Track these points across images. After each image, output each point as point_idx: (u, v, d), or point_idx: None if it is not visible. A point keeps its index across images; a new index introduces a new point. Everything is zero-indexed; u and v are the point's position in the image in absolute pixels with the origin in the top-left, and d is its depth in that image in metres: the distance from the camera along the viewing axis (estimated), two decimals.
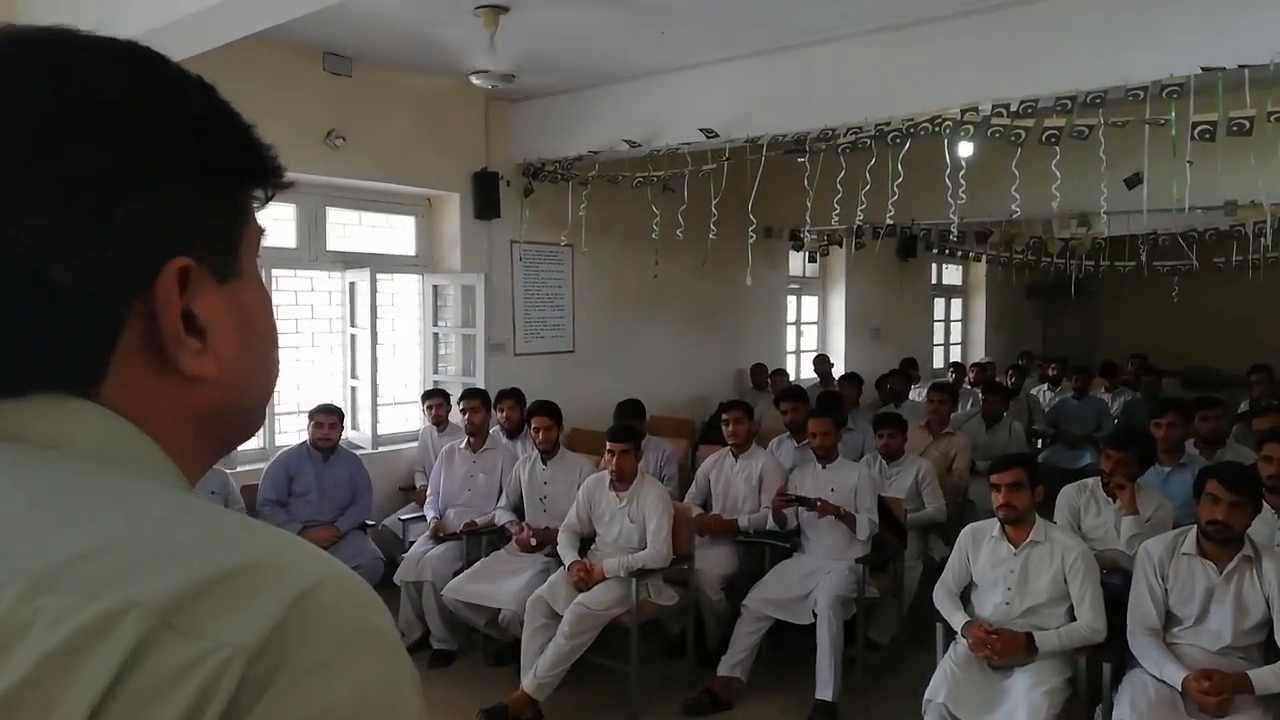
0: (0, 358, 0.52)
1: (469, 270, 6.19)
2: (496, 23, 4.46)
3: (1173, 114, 3.90)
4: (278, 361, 0.66)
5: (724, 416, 5.15)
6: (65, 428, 0.53)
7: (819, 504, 4.44)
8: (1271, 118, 3.72)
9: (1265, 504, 3.68)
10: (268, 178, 0.62)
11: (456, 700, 4.07)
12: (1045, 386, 9.00)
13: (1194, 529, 3.23)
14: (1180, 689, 2.99)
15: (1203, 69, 3.70)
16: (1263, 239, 6.33)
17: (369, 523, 5.10)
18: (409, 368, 6.48)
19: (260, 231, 0.63)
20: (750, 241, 5.51)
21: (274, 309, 0.66)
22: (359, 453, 5.43)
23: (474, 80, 4.87)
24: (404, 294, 6.38)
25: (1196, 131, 3.85)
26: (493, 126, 6.25)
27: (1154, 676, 3.10)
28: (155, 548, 0.47)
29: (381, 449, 5.95)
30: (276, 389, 0.68)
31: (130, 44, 0.58)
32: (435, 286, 6.35)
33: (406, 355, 6.47)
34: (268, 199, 0.63)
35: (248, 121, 0.61)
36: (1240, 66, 3.64)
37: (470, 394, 5.37)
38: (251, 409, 0.64)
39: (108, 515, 0.49)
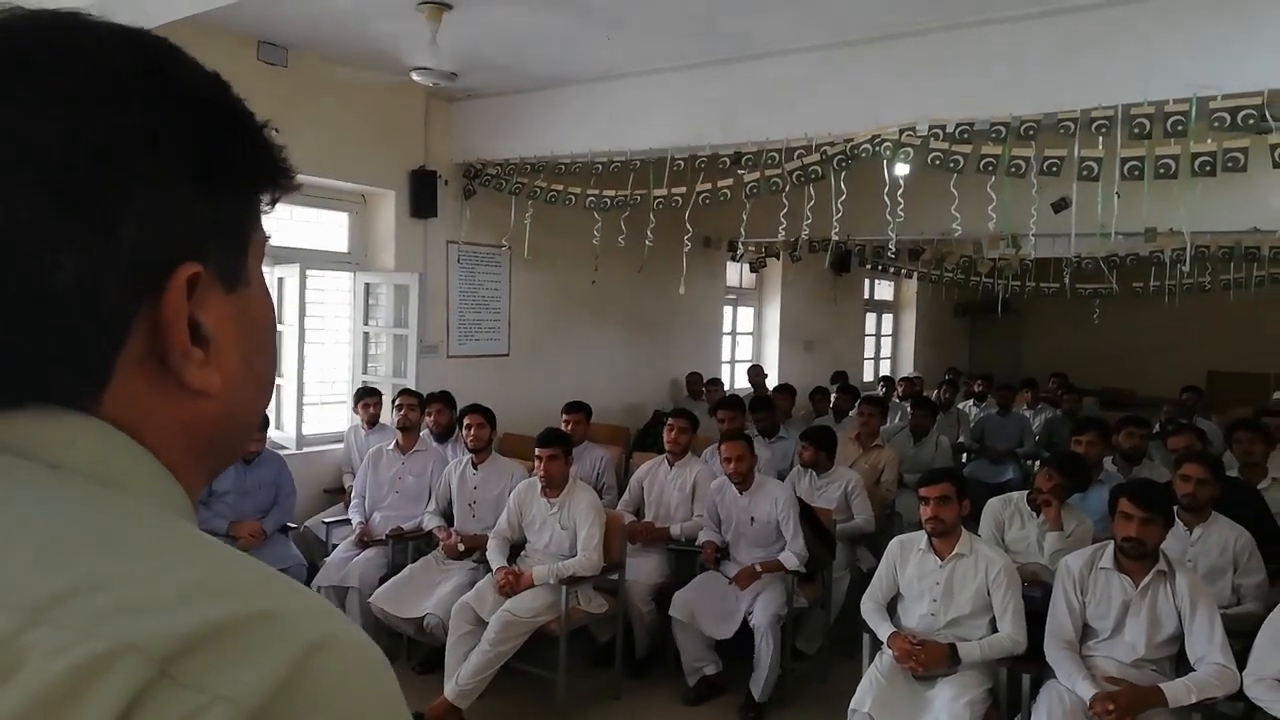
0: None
1: (403, 269, 6.08)
2: (440, 19, 4.39)
3: (1101, 150, 4.03)
4: (276, 373, 0.63)
5: (668, 423, 5.15)
6: (66, 444, 0.49)
7: (738, 576, 4.35)
8: (1196, 160, 3.86)
9: (1179, 521, 3.83)
10: (278, 180, 0.59)
11: None
12: (971, 402, 9.22)
13: (1112, 544, 3.33)
14: (1089, 704, 3.06)
15: (1124, 105, 3.83)
16: (1180, 265, 6.58)
17: (291, 525, 4.96)
18: (338, 367, 6.33)
19: (266, 237, 0.60)
20: (686, 251, 5.52)
21: (275, 318, 0.63)
22: (283, 453, 5.28)
23: (415, 77, 4.79)
24: (335, 291, 6.23)
25: (1126, 168, 3.98)
26: (433, 124, 6.15)
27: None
28: (157, 587, 0.44)
29: (307, 449, 5.79)
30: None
31: (144, 33, 0.54)
32: (368, 285, 6.22)
33: (335, 354, 6.32)
34: (274, 202, 0.60)
35: (261, 120, 0.58)
36: (1157, 102, 3.78)
37: (407, 392, 5.33)
38: (249, 424, 0.61)
39: (109, 546, 0.45)
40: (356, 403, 5.72)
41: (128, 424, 0.51)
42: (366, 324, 6.27)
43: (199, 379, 0.53)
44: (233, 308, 0.55)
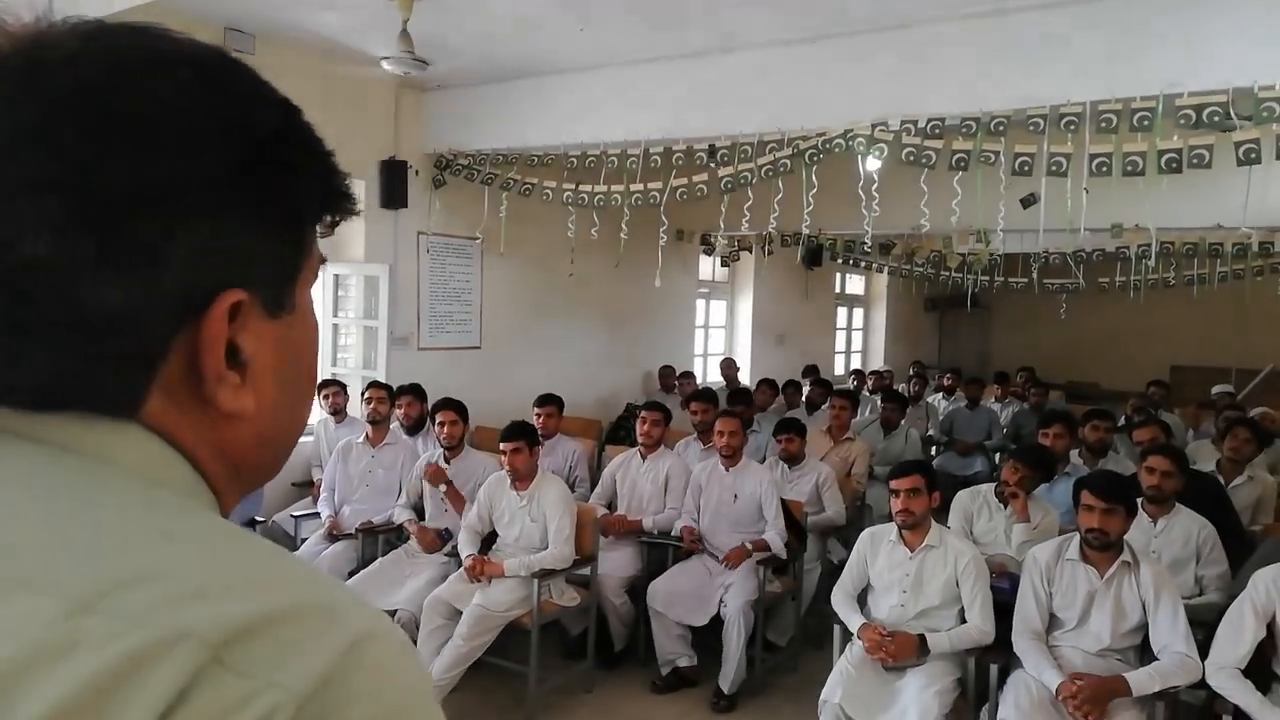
0: (36, 378, 0.48)
1: (373, 260, 6.02)
2: (410, 7, 4.34)
3: (1069, 146, 4.08)
4: (313, 395, 0.63)
5: (642, 415, 5.15)
6: (113, 445, 0.50)
7: (729, 555, 4.44)
8: (1163, 157, 3.92)
9: (1143, 512, 3.89)
10: (337, 208, 0.58)
11: None
12: (940, 395, 9.31)
13: (1077, 536, 3.37)
14: (1055, 694, 3.10)
15: (1093, 102, 3.87)
16: (1146, 261, 6.67)
17: (259, 519, 4.90)
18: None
19: (321, 261, 0.60)
20: (661, 244, 5.51)
21: (318, 342, 0.62)
22: None
23: (385, 65, 4.73)
24: (318, 273, 6.15)
25: (1094, 164, 4.03)
26: (403, 114, 6.09)
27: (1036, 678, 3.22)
28: (209, 578, 0.45)
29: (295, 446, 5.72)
30: None
31: (207, 50, 0.53)
32: (337, 276, 6.16)
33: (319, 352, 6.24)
34: (333, 227, 0.60)
35: (327, 148, 0.57)
36: (1125, 99, 3.82)
37: (376, 384, 5.28)
38: (284, 448, 0.61)
39: (161, 538, 0.47)
40: (320, 392, 5.65)
41: (167, 436, 0.52)
42: (336, 315, 6.21)
43: (232, 402, 0.52)
44: (275, 333, 0.55)
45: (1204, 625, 3.33)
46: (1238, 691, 2.97)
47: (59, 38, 0.49)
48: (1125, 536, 3.34)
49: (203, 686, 0.40)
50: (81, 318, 0.47)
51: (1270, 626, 3.04)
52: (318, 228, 0.58)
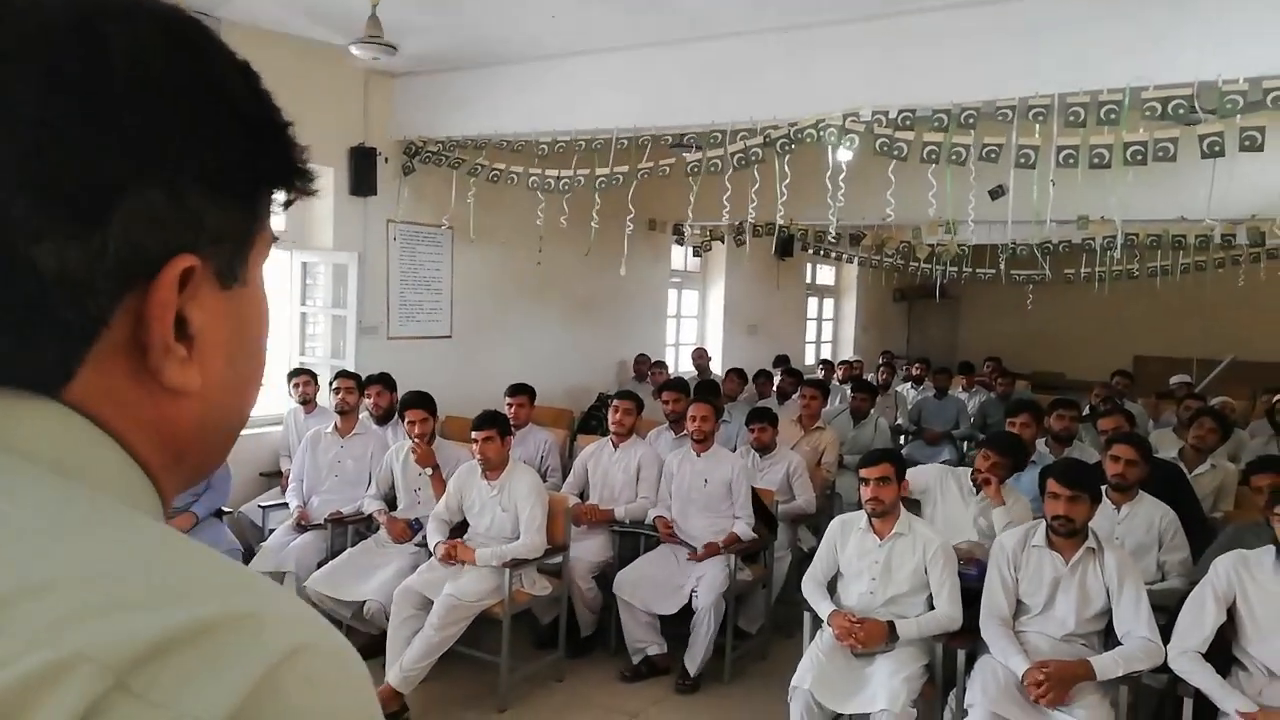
0: None
1: (341, 248, 5.95)
2: None
3: (1037, 139, 4.11)
4: (262, 379, 0.59)
5: (614, 404, 5.14)
6: (20, 428, 0.45)
7: (702, 550, 4.48)
8: (1128, 150, 3.97)
9: (1108, 499, 3.95)
10: (294, 183, 0.56)
11: None
12: (909, 385, 9.40)
13: (1043, 523, 3.42)
14: (1021, 679, 3.15)
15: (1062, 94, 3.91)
16: (1111, 253, 6.76)
17: (226, 510, 4.84)
18: (274, 348, 6.17)
19: (273, 238, 0.57)
20: (629, 233, 5.50)
21: (269, 322, 0.59)
22: None
23: (354, 50, 4.67)
24: (270, 270, 6.07)
25: (1061, 156, 4.07)
26: (372, 100, 6.02)
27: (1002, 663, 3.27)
28: (115, 588, 0.40)
29: (242, 432, 5.64)
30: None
31: (178, 15, 0.51)
32: (305, 264, 6.08)
33: (271, 333, 6.16)
34: (287, 204, 0.57)
35: (286, 118, 0.55)
36: (1092, 91, 3.87)
37: (344, 374, 5.22)
38: (230, 432, 0.57)
39: (62, 541, 0.41)
40: (288, 382, 5.59)
41: (98, 414, 0.48)
42: (304, 304, 6.14)
43: (178, 376, 0.49)
44: (225, 305, 0.52)
45: (1166, 610, 3.40)
46: (1199, 675, 3.03)
47: None
48: (1090, 523, 3.39)
49: (105, 716, 0.36)
50: (16, 280, 0.44)
51: (1230, 611, 3.10)
52: (272, 202, 0.56)
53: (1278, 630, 3.00)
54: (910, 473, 4.40)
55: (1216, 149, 3.86)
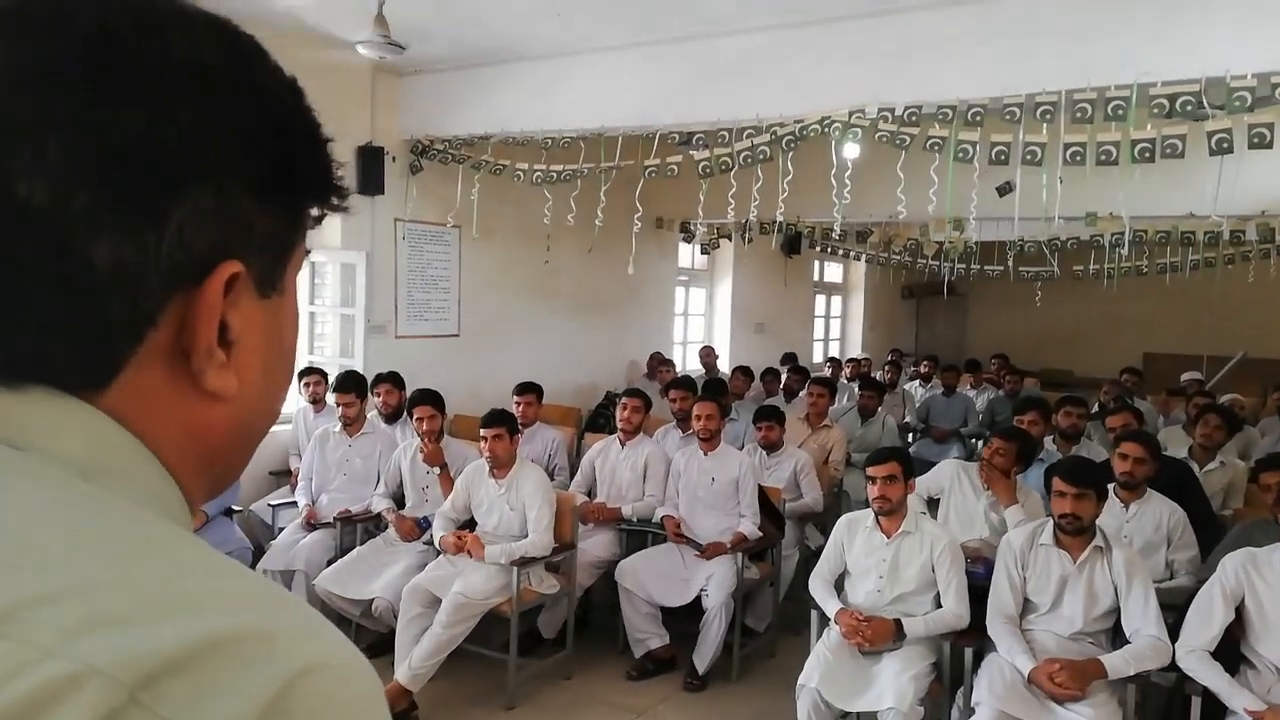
0: (5, 341, 0.45)
1: (349, 248, 5.97)
2: None
3: (1044, 136, 4.10)
4: (289, 386, 0.60)
5: (621, 402, 5.15)
6: (53, 431, 0.45)
7: (707, 549, 4.49)
8: (1135, 147, 3.95)
9: (1116, 497, 3.95)
10: (330, 197, 0.57)
11: None
12: (917, 383, 9.38)
13: (1050, 521, 3.41)
14: (1027, 678, 3.14)
15: (1068, 91, 3.90)
16: (1119, 249, 6.74)
17: (235, 508, 4.87)
18: None
19: (307, 251, 0.58)
20: (637, 231, 5.50)
21: (299, 330, 0.60)
22: None
23: (361, 49, 4.69)
24: (304, 261, 6.09)
25: (1069, 154, 4.05)
26: (379, 100, 6.03)
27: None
28: (131, 598, 0.39)
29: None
30: None
31: (233, 27, 0.53)
32: (313, 263, 6.10)
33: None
34: (321, 218, 0.58)
35: (327, 135, 0.56)
36: (1099, 88, 3.85)
37: (344, 386, 5.05)
38: (257, 437, 0.58)
39: (81, 547, 0.41)
40: (298, 381, 5.62)
41: (131, 418, 0.48)
42: (312, 303, 6.16)
43: (217, 380, 0.50)
44: (263, 314, 0.53)
45: (1174, 608, 3.38)
46: (1207, 673, 3.02)
47: None
48: (1098, 521, 3.38)
49: None
50: (71, 275, 0.44)
51: (1239, 609, 3.09)
52: (309, 215, 0.57)
53: None
54: (927, 475, 4.43)
55: (1225, 146, 3.84)
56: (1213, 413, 5.12)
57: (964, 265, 9.25)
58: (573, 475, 5.37)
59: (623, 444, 5.09)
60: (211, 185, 0.48)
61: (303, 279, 6.00)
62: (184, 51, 0.48)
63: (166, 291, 0.47)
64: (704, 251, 9.53)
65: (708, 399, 5.02)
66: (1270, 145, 3.79)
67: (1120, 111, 3.89)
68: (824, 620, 3.66)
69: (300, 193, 0.55)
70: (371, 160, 5.93)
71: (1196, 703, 3.06)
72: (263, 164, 0.50)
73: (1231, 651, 3.12)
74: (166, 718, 0.36)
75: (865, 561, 3.64)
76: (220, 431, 0.53)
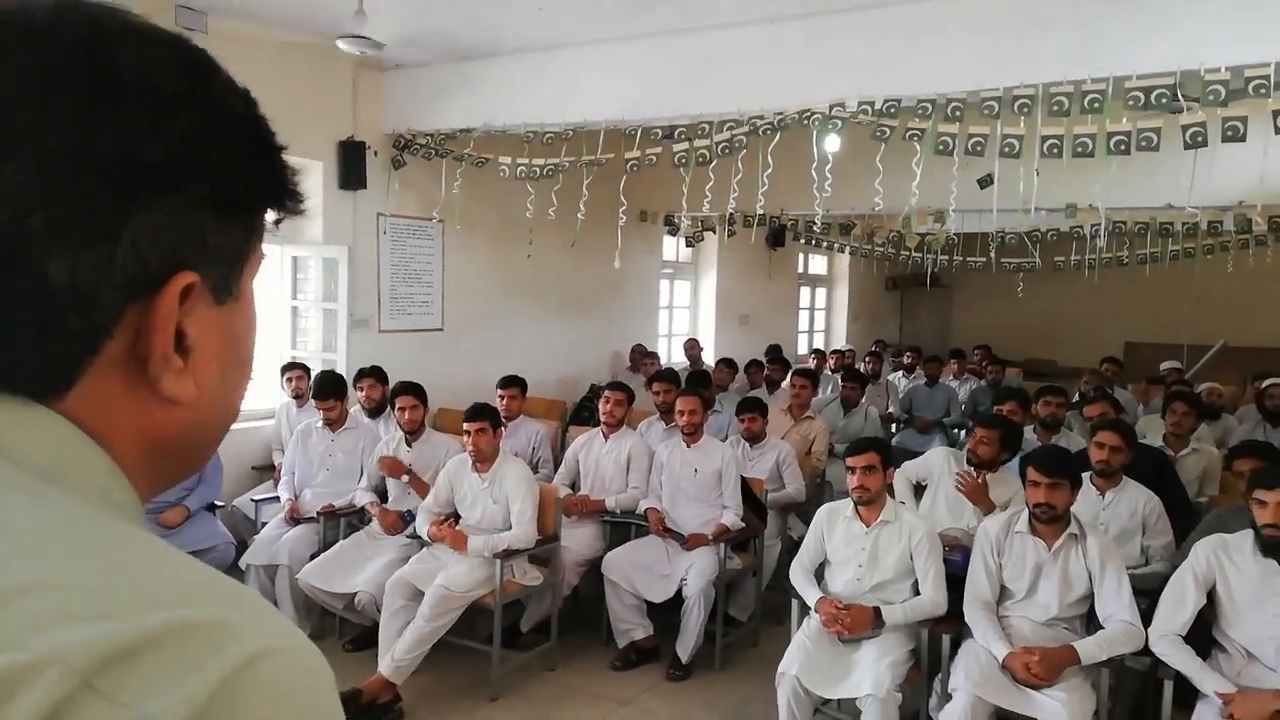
0: None
1: (332, 242, 5.97)
2: None
3: (1022, 128, 4.14)
4: (247, 389, 0.62)
5: (605, 395, 5.17)
6: (11, 433, 0.47)
7: (689, 539, 4.53)
8: (1111, 139, 3.99)
9: (1093, 485, 4.00)
10: (286, 204, 0.58)
11: None
12: (900, 374, 9.43)
13: (1026, 509, 3.45)
14: (1002, 664, 3.19)
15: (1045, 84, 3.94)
16: (1098, 241, 6.80)
17: (218, 504, 4.86)
18: (265, 342, 6.20)
19: (263, 256, 0.59)
20: (621, 224, 5.52)
21: (256, 334, 0.62)
22: None
23: (341, 45, 4.68)
24: (261, 265, 6.07)
25: (1046, 146, 4.09)
26: (361, 94, 6.02)
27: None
28: (87, 593, 0.41)
29: (234, 426, 5.63)
30: None
31: (185, 42, 0.54)
32: (295, 258, 6.09)
33: (262, 329, 6.16)
34: (279, 222, 0.60)
35: (281, 142, 0.58)
36: (1076, 81, 3.89)
37: (322, 393, 4.98)
38: (215, 437, 0.60)
39: (38, 546, 0.43)
40: (281, 376, 5.62)
41: (90, 422, 0.50)
42: (295, 298, 6.16)
43: (175, 386, 0.52)
44: (219, 320, 0.55)
45: (1148, 594, 3.43)
46: (1179, 657, 3.07)
47: (35, 4, 0.49)
48: (1074, 509, 3.43)
49: (72, 715, 0.37)
50: (28, 291, 0.46)
51: (1210, 594, 3.14)
52: (265, 222, 0.59)
53: (1256, 613, 3.04)
54: (916, 461, 4.49)
55: (1200, 139, 3.88)
56: (1180, 400, 5.19)
57: (946, 257, 9.31)
58: (557, 468, 5.39)
59: (606, 437, 5.11)
60: (166, 200, 0.49)
61: (285, 274, 6.01)
62: (137, 70, 0.49)
63: (122, 303, 0.49)
64: (688, 244, 9.55)
65: (690, 392, 5.05)
66: (1243, 139, 3.84)
67: (1096, 104, 3.93)
68: (804, 609, 3.70)
69: (255, 202, 0.56)
70: (353, 155, 5.92)
71: (1169, 686, 3.10)
72: (216, 177, 0.52)
73: (1203, 636, 3.17)
74: (121, 702, 0.38)
75: (845, 550, 3.68)
76: (175, 433, 0.54)
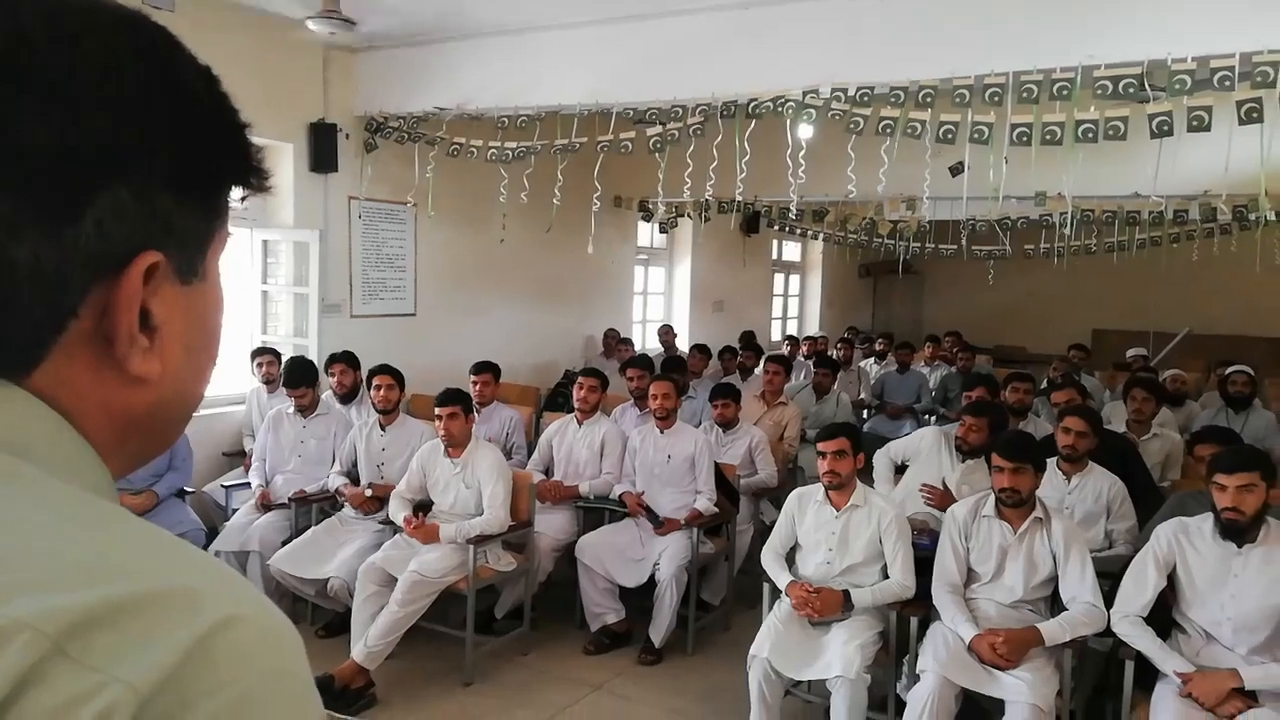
0: None
1: (303, 226, 5.90)
2: None
3: (992, 116, 4.18)
4: (214, 368, 0.62)
5: (578, 381, 5.17)
6: None
7: (664, 523, 4.55)
8: (1080, 128, 4.04)
9: (1059, 470, 4.06)
10: (251, 182, 0.58)
11: None
12: (872, 360, 9.51)
13: (993, 494, 3.51)
14: (968, 646, 3.25)
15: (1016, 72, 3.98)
16: (1066, 229, 6.88)
17: (188, 490, 4.82)
18: (235, 326, 6.12)
19: (229, 234, 0.59)
20: (595, 210, 5.51)
21: (223, 314, 0.62)
22: None
23: (311, 25, 4.62)
24: (231, 249, 5.99)
25: (1015, 134, 4.13)
26: (332, 76, 5.95)
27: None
28: (58, 562, 0.42)
29: (204, 411, 5.62)
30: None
31: (144, 20, 0.53)
32: (266, 242, 6.03)
33: (233, 314, 6.11)
34: (243, 199, 0.60)
35: (245, 120, 0.57)
36: (1045, 70, 3.93)
37: (292, 381, 4.93)
38: (182, 416, 0.60)
39: (7, 520, 0.44)
40: (251, 361, 5.57)
41: (58, 399, 0.50)
42: (265, 282, 6.09)
43: (141, 365, 0.52)
44: (185, 300, 0.55)
45: (1112, 576, 3.50)
46: (1140, 638, 3.14)
47: None
48: (1040, 493, 3.49)
49: (43, 679, 0.38)
50: None
51: (1171, 577, 3.21)
52: (230, 200, 0.58)
53: (1214, 594, 3.11)
54: (902, 440, 4.60)
55: (1165, 128, 3.94)
56: (1140, 386, 5.29)
57: (919, 244, 9.38)
58: (530, 454, 5.39)
59: (580, 423, 5.11)
60: (128, 182, 0.49)
61: (255, 258, 5.94)
62: (97, 53, 0.49)
63: (86, 284, 0.49)
64: (663, 230, 9.55)
65: (664, 378, 5.07)
66: (1208, 129, 3.89)
67: (1065, 93, 3.97)
68: (775, 592, 3.73)
69: (219, 181, 0.57)
70: (324, 137, 5.86)
71: (1130, 666, 3.17)
72: (179, 157, 0.52)
73: (1164, 617, 3.24)
74: (90, 666, 0.39)
75: (815, 535, 3.71)
76: (142, 411, 0.55)
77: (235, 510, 4.85)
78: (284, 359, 5.54)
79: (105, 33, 0.50)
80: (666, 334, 9.19)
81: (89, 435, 0.52)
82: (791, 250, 13.39)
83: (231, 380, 6.00)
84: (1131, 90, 3.91)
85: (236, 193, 0.59)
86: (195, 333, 0.57)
